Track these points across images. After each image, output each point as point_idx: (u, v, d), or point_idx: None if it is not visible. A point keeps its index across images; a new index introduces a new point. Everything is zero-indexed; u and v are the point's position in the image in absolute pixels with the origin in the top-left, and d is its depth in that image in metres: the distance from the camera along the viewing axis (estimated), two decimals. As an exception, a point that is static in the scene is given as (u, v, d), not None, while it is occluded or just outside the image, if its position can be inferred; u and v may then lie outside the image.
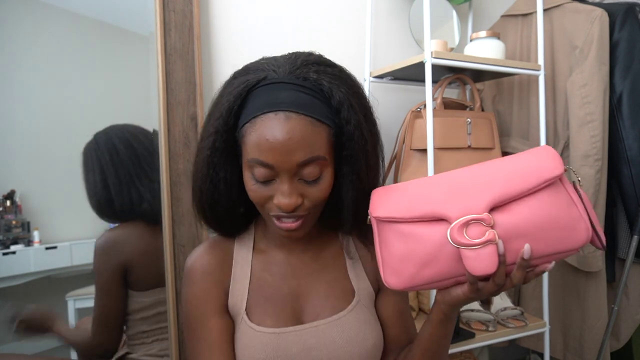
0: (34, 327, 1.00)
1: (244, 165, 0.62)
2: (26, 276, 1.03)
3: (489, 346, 1.60)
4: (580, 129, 1.25)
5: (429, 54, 1.07)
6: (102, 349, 1.07)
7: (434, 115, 1.11)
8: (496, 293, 0.55)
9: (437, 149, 1.14)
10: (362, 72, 1.38)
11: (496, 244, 0.52)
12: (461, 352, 1.31)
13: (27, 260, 1.03)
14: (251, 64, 0.65)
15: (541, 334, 1.30)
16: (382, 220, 0.59)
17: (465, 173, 0.58)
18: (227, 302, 0.70)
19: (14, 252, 1.02)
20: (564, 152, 1.33)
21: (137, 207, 1.09)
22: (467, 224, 0.52)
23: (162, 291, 1.11)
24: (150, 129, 1.14)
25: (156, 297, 1.11)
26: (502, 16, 1.50)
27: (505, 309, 1.27)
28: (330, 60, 0.65)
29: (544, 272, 0.55)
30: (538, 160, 0.55)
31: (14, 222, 1.02)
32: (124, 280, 1.07)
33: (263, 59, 0.66)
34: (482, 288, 0.55)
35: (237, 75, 0.64)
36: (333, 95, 0.60)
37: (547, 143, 1.32)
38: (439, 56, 1.08)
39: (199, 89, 1.15)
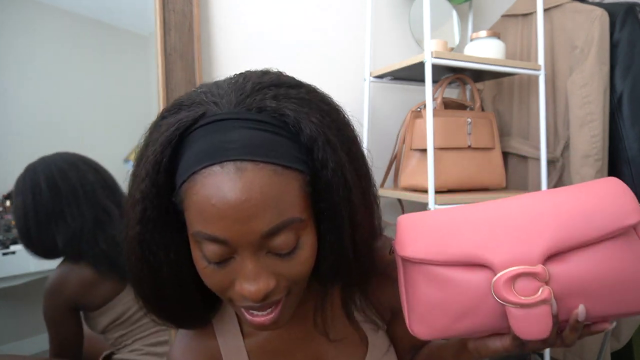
0: None
1: (190, 239, 0.45)
2: (26, 276, 1.03)
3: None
4: (580, 129, 1.24)
5: (429, 54, 1.07)
6: None
7: (434, 115, 1.11)
8: (541, 350, 0.48)
9: (437, 149, 1.14)
10: (362, 72, 1.38)
11: (550, 304, 0.42)
12: (461, 353, 1.30)
13: (27, 260, 1.03)
14: (185, 96, 0.47)
15: (541, 334, 1.30)
16: (410, 260, 0.49)
17: (512, 205, 0.47)
18: None
19: (13, 252, 1.02)
20: (564, 152, 1.33)
21: (54, 249, 1.05)
22: (516, 276, 0.42)
23: (122, 298, 1.09)
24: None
25: (117, 307, 1.09)
26: (502, 16, 1.50)
27: (505, 309, 1.26)
28: (293, 79, 0.48)
29: (601, 332, 0.45)
30: (609, 200, 0.44)
31: (13, 222, 1.02)
32: (76, 316, 1.07)
33: (201, 86, 0.49)
34: (527, 344, 0.46)
35: (165, 114, 0.46)
36: (302, 128, 0.43)
37: (547, 143, 1.32)
38: (439, 56, 1.08)
39: (199, 89, 1.15)
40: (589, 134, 1.23)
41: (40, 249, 1.04)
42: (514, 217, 0.45)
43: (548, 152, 1.31)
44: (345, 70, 1.41)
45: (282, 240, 0.42)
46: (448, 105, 1.27)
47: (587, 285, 0.43)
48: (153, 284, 0.48)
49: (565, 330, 0.45)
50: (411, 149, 1.24)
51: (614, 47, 1.27)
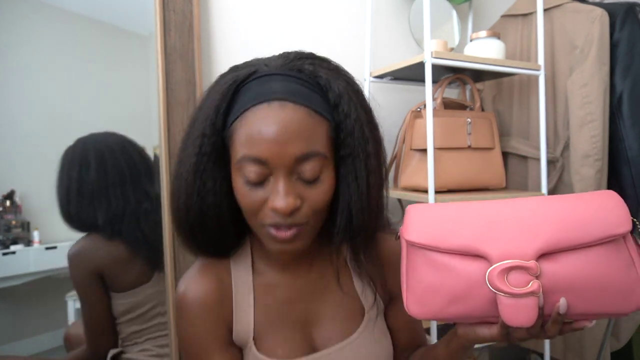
0: None
1: (234, 169, 0.55)
2: (26, 276, 1.03)
3: (489, 346, 1.60)
4: (580, 129, 1.24)
5: (429, 54, 1.07)
6: (100, 353, 1.07)
7: (434, 115, 1.11)
8: (527, 340, 0.52)
9: (437, 149, 1.14)
10: (362, 72, 1.38)
11: (538, 296, 0.47)
12: (461, 352, 1.31)
13: (27, 260, 1.03)
14: (239, 64, 0.59)
15: (541, 334, 1.30)
16: (413, 245, 0.53)
17: (514, 206, 0.51)
18: (231, 334, 0.62)
19: (13, 252, 1.02)
20: (564, 152, 1.33)
21: (93, 225, 1.07)
22: (510, 269, 0.47)
23: (146, 289, 1.11)
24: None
25: (139, 296, 1.11)
26: (502, 16, 1.50)
27: (505, 309, 1.27)
28: (326, 58, 0.60)
29: (581, 329, 0.50)
30: (603, 210, 0.48)
31: (13, 222, 1.02)
32: (101, 284, 1.07)
33: (252, 59, 0.60)
34: (513, 333, 0.51)
35: (225, 73, 0.58)
36: (331, 87, 0.54)
37: (547, 143, 1.32)
38: (439, 56, 1.08)
39: (199, 89, 1.15)
40: (588, 134, 1.23)
41: (78, 223, 1.05)
42: (515, 217, 0.50)
43: (548, 152, 1.31)
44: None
45: (309, 167, 0.52)
46: (448, 105, 1.27)
47: (573, 284, 0.47)
48: (199, 210, 0.57)
49: (548, 323, 0.49)
50: (411, 149, 1.24)
51: (614, 47, 1.27)
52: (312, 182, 0.54)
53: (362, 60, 1.42)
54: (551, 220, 0.48)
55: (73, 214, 1.04)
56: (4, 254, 1.01)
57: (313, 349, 0.63)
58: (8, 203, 1.01)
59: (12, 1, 1.00)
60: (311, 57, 0.57)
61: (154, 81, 1.11)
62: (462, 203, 0.54)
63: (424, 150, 1.16)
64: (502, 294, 0.47)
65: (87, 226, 1.06)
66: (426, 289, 0.52)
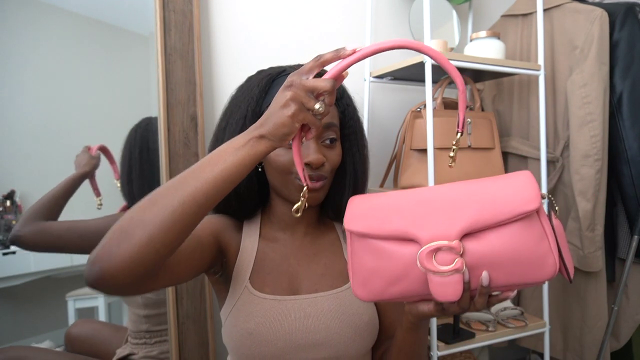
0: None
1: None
2: (26, 276, 1.04)
3: (489, 346, 1.60)
4: (580, 129, 1.24)
5: (429, 54, 1.07)
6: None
7: (434, 115, 1.11)
8: (461, 313, 0.57)
9: (437, 149, 1.14)
10: (362, 72, 1.38)
11: (463, 273, 0.52)
12: (461, 352, 1.31)
13: (27, 260, 1.03)
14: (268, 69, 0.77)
15: (541, 334, 1.30)
16: (354, 233, 0.59)
17: (440, 192, 0.57)
18: (217, 247, 0.74)
19: (14, 252, 1.02)
20: (564, 152, 1.33)
21: None
22: (437, 249, 0.52)
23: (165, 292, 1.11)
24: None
25: (161, 296, 1.11)
26: (502, 16, 1.50)
27: (505, 309, 1.27)
28: None
29: (506, 299, 0.56)
30: (516, 189, 0.54)
31: (14, 222, 1.02)
32: None
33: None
34: (447, 308, 0.57)
35: (252, 76, 0.76)
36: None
37: (547, 143, 1.32)
38: (439, 56, 1.08)
39: (199, 89, 1.15)
40: (588, 134, 1.23)
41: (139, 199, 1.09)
42: (441, 201, 0.55)
43: (548, 152, 1.31)
44: (345, 70, 1.41)
45: (330, 133, 0.73)
46: (448, 105, 1.27)
47: (493, 259, 0.52)
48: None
49: (476, 296, 0.55)
50: (411, 149, 1.24)
51: (613, 47, 1.27)
52: (330, 144, 0.73)
53: (362, 60, 1.42)
54: (472, 202, 0.54)
55: (135, 190, 1.10)
56: (4, 254, 1.01)
57: (298, 293, 0.75)
58: (8, 203, 1.01)
59: (12, 1, 1.00)
60: None
61: (154, 81, 1.11)
62: (399, 192, 0.60)
63: (424, 150, 1.16)
64: (432, 272, 0.52)
65: None
66: (368, 273, 0.57)
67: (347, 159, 0.78)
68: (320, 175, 0.71)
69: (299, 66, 0.72)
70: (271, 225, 0.81)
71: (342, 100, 0.76)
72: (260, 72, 0.77)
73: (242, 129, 0.67)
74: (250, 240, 0.78)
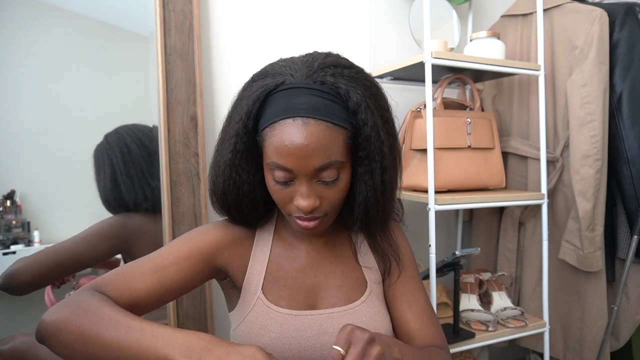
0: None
1: (265, 167, 0.64)
2: (26, 276, 1.03)
3: (489, 346, 1.60)
4: (580, 129, 1.25)
5: (429, 54, 1.07)
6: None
7: (434, 115, 1.11)
8: None
9: (437, 149, 1.14)
10: (362, 72, 1.38)
11: None
12: (461, 352, 1.31)
13: (27, 260, 1.03)
14: (270, 66, 0.66)
15: (541, 334, 1.30)
16: None
17: None
18: (211, 269, 0.72)
19: (14, 252, 1.02)
20: (564, 152, 1.33)
21: (145, 202, 1.11)
22: None
23: None
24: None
25: None
26: (502, 16, 1.50)
27: (505, 308, 1.27)
28: (348, 61, 0.66)
29: None
30: None
31: (14, 222, 1.02)
32: (113, 252, 1.10)
33: (281, 60, 0.67)
34: None
35: (255, 78, 0.65)
36: (350, 97, 0.60)
37: (547, 143, 1.32)
38: (439, 56, 1.08)
39: (199, 89, 1.15)
40: (588, 134, 1.23)
41: (132, 204, 1.10)
42: None
43: (548, 152, 1.31)
44: (345, 70, 1.41)
45: (327, 174, 0.62)
46: (448, 105, 1.27)
47: None
48: (236, 197, 0.68)
49: None
50: (411, 149, 1.24)
51: (613, 47, 1.27)
52: (330, 182, 0.63)
53: (362, 60, 1.42)
54: None
55: (125, 195, 1.08)
56: (4, 254, 1.01)
57: (315, 308, 0.71)
58: (8, 203, 1.01)
59: (12, 1, 1.00)
60: (333, 66, 0.62)
61: (154, 81, 1.11)
62: None
63: (424, 150, 1.16)
64: None
65: (141, 206, 1.11)
66: None
67: (358, 186, 0.66)
68: (314, 217, 0.64)
69: (296, 70, 0.62)
70: (288, 229, 0.76)
71: (357, 117, 0.62)
72: (257, 79, 0.65)
73: (235, 147, 0.63)
74: (262, 249, 0.74)
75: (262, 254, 0.74)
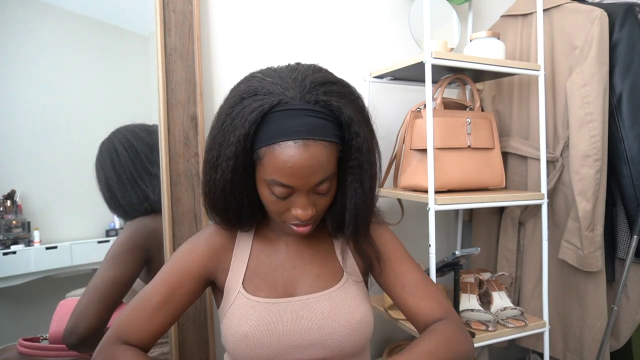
0: None
1: (261, 180, 0.69)
2: (26, 276, 1.04)
3: (489, 346, 1.60)
4: (580, 129, 1.25)
5: (429, 54, 1.07)
6: (82, 330, 1.01)
7: (434, 115, 1.11)
8: None
9: (437, 149, 1.14)
10: (362, 72, 1.39)
11: None
12: (461, 352, 1.31)
13: (27, 260, 1.03)
14: (257, 82, 0.67)
15: (541, 334, 1.30)
16: None
17: None
18: (212, 280, 0.79)
19: (14, 252, 1.02)
20: (564, 152, 1.33)
21: (141, 204, 1.10)
22: None
23: None
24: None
25: None
26: (502, 16, 1.50)
27: (505, 308, 1.27)
28: (332, 76, 0.71)
29: None
30: None
31: (14, 222, 1.02)
32: (141, 262, 1.10)
33: (265, 74, 0.69)
34: None
35: (245, 96, 0.66)
36: (342, 112, 0.66)
37: (547, 143, 1.33)
38: (439, 56, 1.08)
39: (199, 89, 1.15)
40: (588, 134, 1.23)
41: (129, 208, 1.10)
42: None
43: (548, 152, 1.31)
44: (345, 70, 1.41)
45: (324, 186, 0.69)
46: (448, 105, 1.27)
47: None
48: (237, 208, 0.74)
49: None
50: (411, 149, 1.24)
51: (613, 47, 1.27)
52: (324, 194, 0.70)
53: (362, 60, 1.42)
54: None
55: (121, 201, 1.08)
56: (5, 254, 1.01)
57: (292, 295, 0.76)
58: (8, 203, 1.01)
59: (12, 1, 1.00)
60: (322, 84, 0.67)
61: (154, 81, 1.11)
62: None
63: (424, 150, 1.16)
64: None
65: (138, 208, 1.10)
66: None
67: (348, 193, 0.72)
68: (308, 222, 0.72)
69: (287, 89, 0.65)
70: (267, 230, 0.82)
71: (350, 130, 0.67)
72: (247, 96, 0.66)
73: (235, 167, 0.66)
74: (243, 249, 0.80)
75: (243, 253, 0.79)
